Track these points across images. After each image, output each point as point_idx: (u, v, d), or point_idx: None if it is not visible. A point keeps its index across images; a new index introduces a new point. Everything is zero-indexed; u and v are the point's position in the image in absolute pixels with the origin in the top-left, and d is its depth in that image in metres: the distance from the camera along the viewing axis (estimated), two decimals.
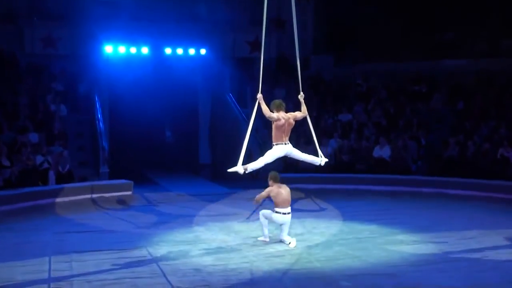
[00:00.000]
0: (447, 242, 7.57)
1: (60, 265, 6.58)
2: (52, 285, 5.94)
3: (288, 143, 7.40)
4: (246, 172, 7.28)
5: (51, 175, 11.09)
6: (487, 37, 14.15)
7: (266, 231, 7.74)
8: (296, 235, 7.93)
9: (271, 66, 14.66)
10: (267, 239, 7.72)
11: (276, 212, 7.62)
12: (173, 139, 16.05)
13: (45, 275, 6.21)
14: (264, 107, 7.25)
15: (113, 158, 12.49)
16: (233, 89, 14.99)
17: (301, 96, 7.53)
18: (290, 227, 7.79)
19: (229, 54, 15.15)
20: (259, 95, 7.23)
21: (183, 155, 14.36)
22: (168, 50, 14.43)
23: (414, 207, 10.18)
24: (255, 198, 7.84)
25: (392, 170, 12.23)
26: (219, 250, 7.36)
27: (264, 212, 7.80)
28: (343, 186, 11.68)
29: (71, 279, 6.08)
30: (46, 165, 11.16)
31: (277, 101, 7.50)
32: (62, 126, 12.68)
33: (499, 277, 6.09)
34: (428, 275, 6.26)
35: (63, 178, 11.16)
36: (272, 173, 7.78)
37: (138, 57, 14.19)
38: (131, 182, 11.42)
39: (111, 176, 11.99)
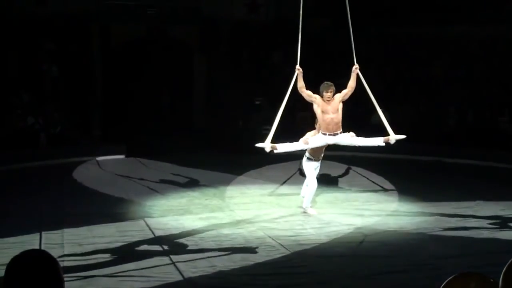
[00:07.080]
0: (443, 211, 7.49)
1: (51, 227, 6.46)
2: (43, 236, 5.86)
3: (332, 134, 6.78)
4: (275, 152, 6.64)
5: (42, 137, 10.89)
6: (492, 2, 13.73)
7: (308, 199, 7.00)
8: (289, 201, 7.84)
9: (269, 29, 14.26)
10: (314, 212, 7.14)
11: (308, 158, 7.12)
12: (169, 103, 15.80)
13: (36, 238, 6.11)
14: (301, 83, 6.60)
15: (106, 120, 12.27)
16: (231, 51, 14.65)
17: (355, 68, 6.82)
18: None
19: (226, 15, 14.73)
20: (298, 68, 6.60)
21: (178, 119, 14.15)
22: None
23: (410, 175, 10.08)
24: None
25: None
26: (212, 215, 7.26)
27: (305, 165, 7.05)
28: (339, 153, 11.52)
29: (62, 242, 5.99)
30: (37, 126, 10.94)
31: (325, 84, 6.79)
32: (54, 87, 12.39)
33: (495, 247, 6.02)
34: (423, 243, 6.20)
35: (54, 140, 10.97)
36: None
37: None
38: (124, 146, 11.24)
39: (104, 139, 11.80)
